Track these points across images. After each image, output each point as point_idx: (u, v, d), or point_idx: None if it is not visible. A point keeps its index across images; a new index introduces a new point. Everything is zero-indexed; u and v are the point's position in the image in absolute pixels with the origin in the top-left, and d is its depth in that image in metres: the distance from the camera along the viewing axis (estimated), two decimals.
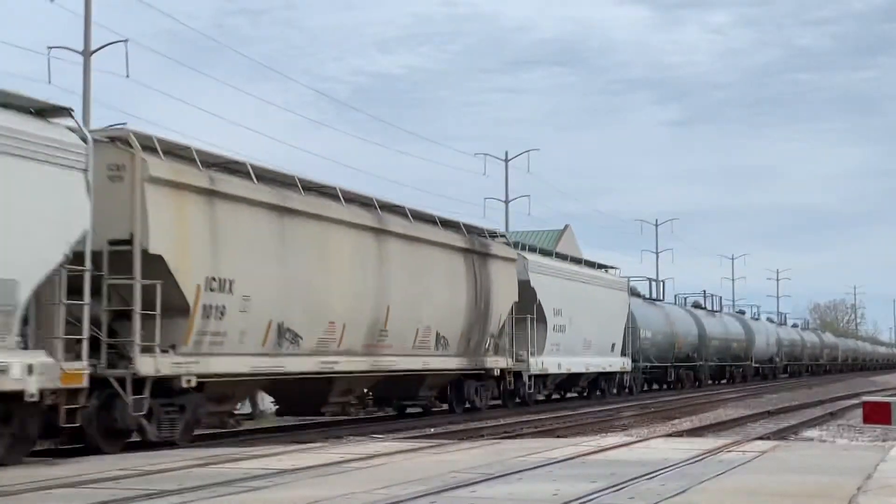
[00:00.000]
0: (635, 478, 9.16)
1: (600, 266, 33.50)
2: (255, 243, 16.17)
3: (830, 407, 27.61)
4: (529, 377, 26.55)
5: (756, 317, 63.05)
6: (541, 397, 29.00)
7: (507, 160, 52.69)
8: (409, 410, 24.51)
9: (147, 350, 14.00)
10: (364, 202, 19.95)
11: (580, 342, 29.80)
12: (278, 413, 20.88)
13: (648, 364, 38.29)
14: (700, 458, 11.13)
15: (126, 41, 29.05)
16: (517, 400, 26.79)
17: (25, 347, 12.20)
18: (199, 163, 15.36)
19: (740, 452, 11.81)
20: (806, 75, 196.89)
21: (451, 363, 22.71)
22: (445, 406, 24.83)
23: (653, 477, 9.30)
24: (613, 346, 33.04)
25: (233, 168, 16.44)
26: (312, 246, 17.64)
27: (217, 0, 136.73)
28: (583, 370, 30.60)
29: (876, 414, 14.60)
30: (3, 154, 11.73)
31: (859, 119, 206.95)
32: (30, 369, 12.00)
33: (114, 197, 13.68)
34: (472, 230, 24.43)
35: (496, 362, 24.63)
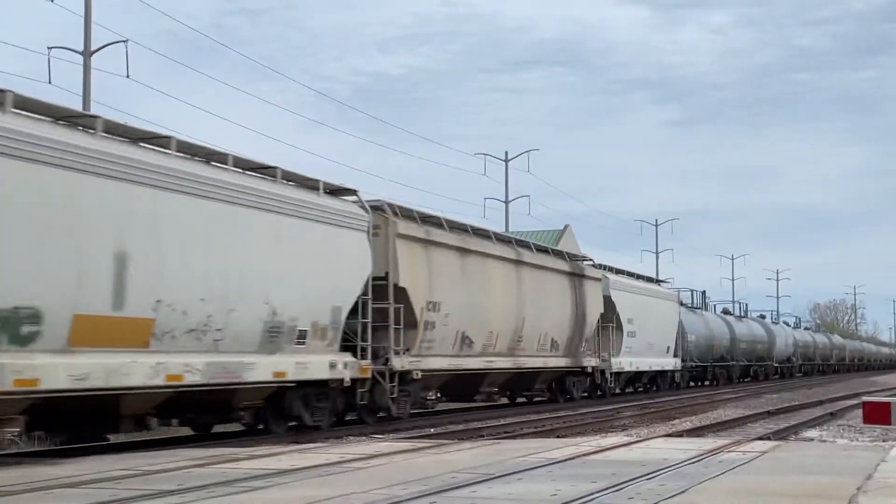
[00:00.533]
0: (635, 478, 9.15)
1: (657, 280, 39.76)
2: (450, 275, 22.41)
3: (830, 407, 27.97)
4: (610, 374, 32.79)
5: (775, 321, 69.04)
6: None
7: (507, 160, 53.65)
8: (518, 400, 30.77)
9: (396, 353, 20.24)
10: (504, 239, 26.20)
11: (645, 345, 36.00)
12: (440, 399, 27.07)
13: (693, 364, 44.47)
14: (700, 458, 11.09)
15: (126, 41, 29.14)
16: (599, 393, 32.99)
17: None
18: (418, 219, 21.61)
19: (740, 452, 11.74)
20: (806, 75, 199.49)
21: (561, 362, 28.97)
22: (547, 396, 31.02)
23: (653, 477, 9.31)
24: (668, 348, 39.27)
25: (430, 219, 22.63)
26: (480, 275, 23.87)
27: (217, 0, 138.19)
28: (646, 369, 36.86)
29: (876, 414, 14.32)
30: (327, 224, 17.95)
31: (859, 119, 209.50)
32: (345, 365, 18.28)
33: (375, 247, 19.86)
34: (571, 257, 30.72)
35: (589, 361, 30.89)
